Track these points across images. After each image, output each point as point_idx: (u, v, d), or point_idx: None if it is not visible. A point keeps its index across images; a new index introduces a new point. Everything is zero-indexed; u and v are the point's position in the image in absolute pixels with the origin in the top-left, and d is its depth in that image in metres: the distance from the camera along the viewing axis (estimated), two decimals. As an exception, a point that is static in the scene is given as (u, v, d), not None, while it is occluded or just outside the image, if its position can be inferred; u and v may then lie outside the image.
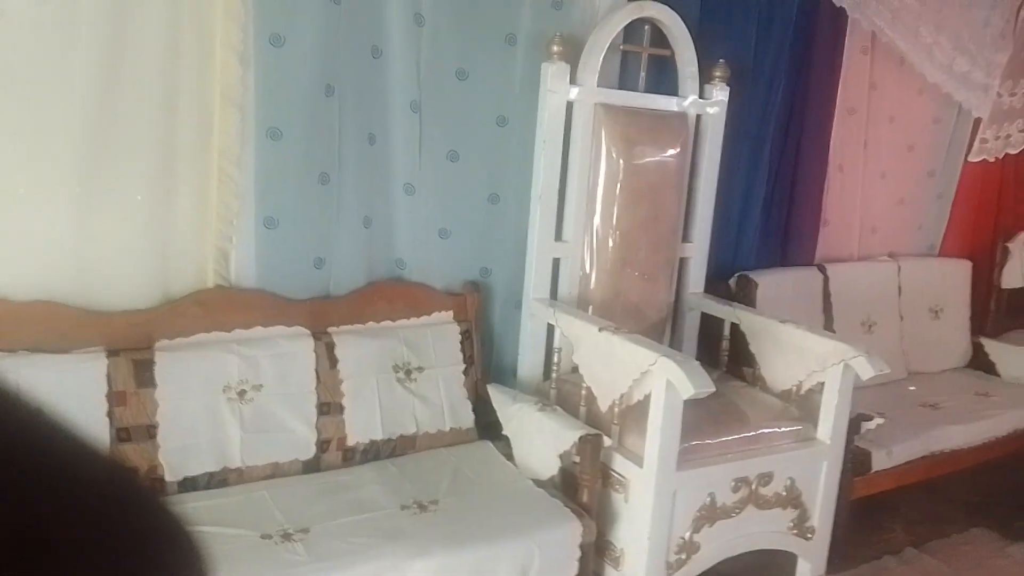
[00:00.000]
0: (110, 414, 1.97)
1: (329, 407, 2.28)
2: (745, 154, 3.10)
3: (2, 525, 0.32)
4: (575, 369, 2.46)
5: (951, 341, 3.65)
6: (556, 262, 2.68)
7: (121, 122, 2.04)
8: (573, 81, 2.57)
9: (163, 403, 2.04)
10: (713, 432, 2.35)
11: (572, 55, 2.56)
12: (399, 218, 2.52)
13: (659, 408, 2.12)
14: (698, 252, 2.96)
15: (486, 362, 2.66)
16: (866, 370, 2.37)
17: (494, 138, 2.60)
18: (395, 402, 2.37)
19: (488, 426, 2.51)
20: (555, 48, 2.51)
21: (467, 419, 2.49)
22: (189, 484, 2.04)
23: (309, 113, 2.26)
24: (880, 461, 2.74)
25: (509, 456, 2.38)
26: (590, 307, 2.68)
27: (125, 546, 0.37)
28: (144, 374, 2.03)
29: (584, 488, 2.17)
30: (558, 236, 2.67)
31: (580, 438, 2.16)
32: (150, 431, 2.02)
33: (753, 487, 2.35)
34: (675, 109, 2.79)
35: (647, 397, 2.18)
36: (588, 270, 2.70)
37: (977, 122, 3.63)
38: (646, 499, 2.17)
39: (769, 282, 3.12)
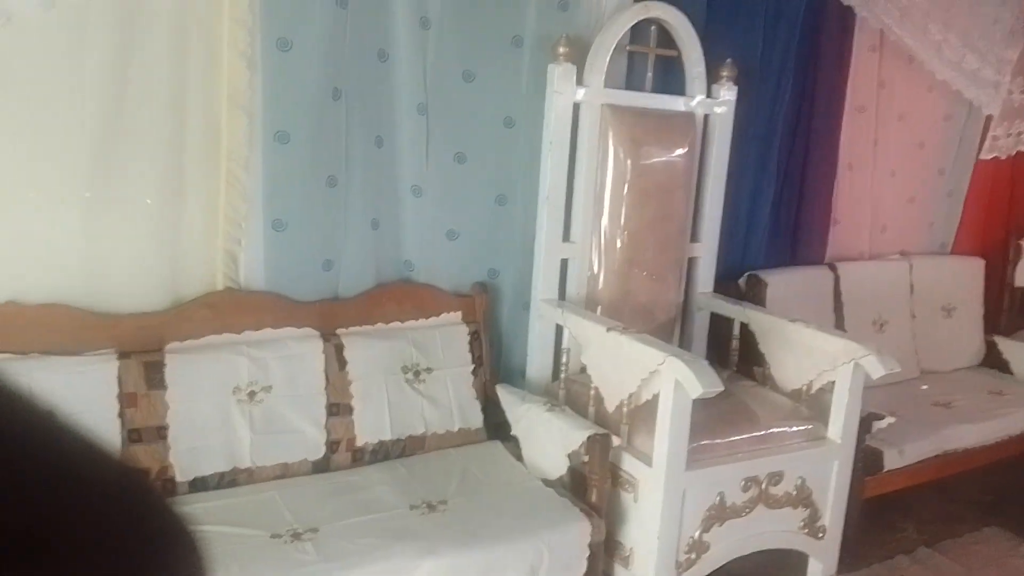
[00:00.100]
0: (121, 416, 1.99)
1: (338, 408, 2.29)
2: (753, 153, 3.09)
3: (2, 525, 0.33)
4: (584, 369, 2.46)
5: (964, 340, 3.63)
6: (564, 263, 2.68)
7: (130, 126, 2.06)
8: (580, 82, 2.57)
9: (174, 404, 2.05)
10: (722, 432, 2.34)
11: (578, 56, 2.56)
12: (407, 220, 2.53)
13: (668, 408, 2.12)
14: (707, 252, 2.95)
15: (495, 363, 2.67)
16: (876, 369, 2.36)
17: (501, 139, 2.60)
18: (404, 403, 2.38)
19: (497, 427, 2.51)
20: (561, 49, 2.51)
21: (476, 419, 2.50)
22: (199, 484, 2.06)
23: (316, 116, 2.27)
24: (892, 460, 2.73)
25: (518, 456, 2.38)
26: (598, 308, 2.68)
27: (126, 546, 0.38)
28: (155, 376, 2.05)
29: (593, 488, 2.17)
30: (566, 237, 2.67)
31: (589, 438, 2.16)
32: (161, 432, 2.03)
33: (763, 486, 2.34)
34: (682, 109, 2.79)
35: (656, 397, 2.17)
36: (596, 271, 2.70)
37: (988, 119, 3.61)
38: (655, 499, 2.16)
39: (779, 281, 3.11)
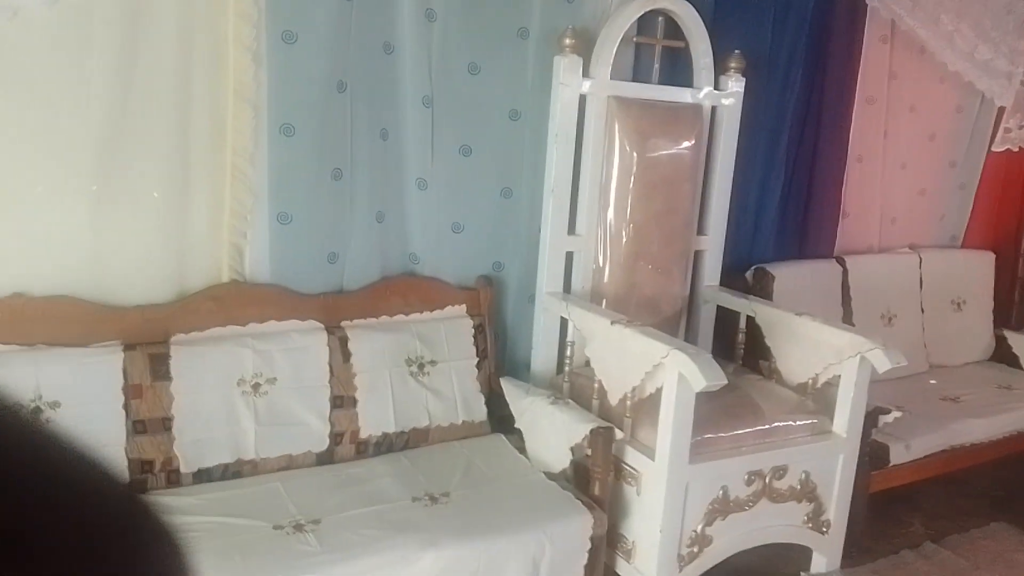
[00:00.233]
0: (126, 407, 2.01)
1: (343, 400, 2.30)
2: (762, 146, 3.07)
3: None
4: (588, 363, 2.46)
5: (973, 334, 3.60)
6: (569, 256, 2.68)
7: (136, 120, 2.07)
8: (586, 74, 2.56)
9: (178, 396, 2.07)
10: (727, 425, 2.34)
11: (585, 48, 2.55)
12: (412, 213, 2.53)
13: (671, 401, 2.12)
14: (713, 245, 2.94)
15: (499, 356, 2.67)
16: (882, 362, 2.34)
17: (507, 132, 2.60)
18: (408, 395, 2.39)
19: (501, 419, 2.52)
20: (567, 41, 2.50)
21: (480, 412, 2.50)
22: (204, 475, 2.08)
23: (322, 109, 2.27)
24: (898, 455, 2.71)
25: (522, 449, 2.39)
26: (604, 301, 2.67)
27: (107, 549, 0.38)
28: (160, 368, 2.07)
29: (596, 481, 2.17)
30: (571, 230, 2.66)
31: (592, 431, 2.16)
32: (166, 423, 2.05)
33: (767, 480, 2.34)
34: (689, 101, 2.77)
35: (659, 390, 2.17)
36: (601, 264, 2.69)
37: (1000, 111, 3.56)
38: (658, 492, 2.17)
39: (786, 275, 3.09)
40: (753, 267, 3.11)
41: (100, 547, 0.38)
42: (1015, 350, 3.52)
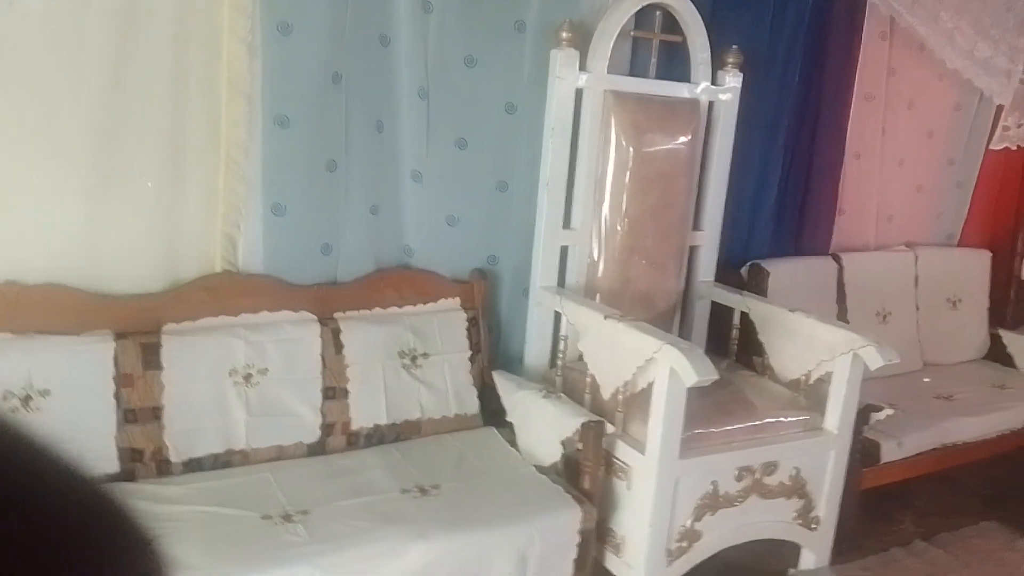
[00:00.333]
0: (117, 396, 2.01)
1: (334, 392, 2.30)
2: (759, 141, 3.06)
3: None
4: (581, 357, 2.46)
5: (968, 332, 3.60)
6: (564, 250, 2.67)
7: (131, 110, 2.07)
8: (582, 68, 2.55)
9: (169, 386, 2.07)
10: (718, 421, 2.34)
11: (582, 42, 2.54)
12: (407, 205, 2.53)
13: (662, 396, 2.12)
14: (709, 240, 2.93)
15: (493, 349, 2.67)
16: (875, 359, 2.34)
17: (502, 125, 2.59)
18: (400, 388, 2.39)
19: (494, 413, 2.52)
20: (564, 34, 2.49)
21: (472, 405, 2.51)
22: (194, 465, 2.08)
23: (316, 101, 2.27)
24: (890, 452, 2.72)
25: (513, 442, 2.39)
26: (598, 295, 2.67)
27: (83, 553, 0.38)
28: (151, 357, 2.07)
29: (586, 475, 2.18)
30: (566, 224, 2.66)
31: (583, 425, 2.17)
32: (156, 413, 2.06)
33: (757, 476, 2.34)
34: (686, 96, 2.76)
35: (651, 385, 2.17)
36: (596, 258, 2.69)
37: (999, 109, 3.55)
38: (648, 486, 2.17)
39: (782, 271, 3.09)
40: (748, 263, 3.11)
41: (66, 548, 0.37)
42: (1010, 349, 3.52)
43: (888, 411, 2.63)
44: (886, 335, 2.76)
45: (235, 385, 2.16)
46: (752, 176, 3.09)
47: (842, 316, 3.19)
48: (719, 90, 2.80)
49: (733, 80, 2.81)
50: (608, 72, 2.59)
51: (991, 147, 3.63)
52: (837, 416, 2.44)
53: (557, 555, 2.07)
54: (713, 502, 2.28)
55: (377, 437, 2.35)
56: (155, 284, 2.17)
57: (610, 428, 2.23)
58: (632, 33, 2.68)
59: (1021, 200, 3.77)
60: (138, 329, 2.08)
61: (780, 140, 3.11)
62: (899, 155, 3.50)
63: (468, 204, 2.61)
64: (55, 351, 1.96)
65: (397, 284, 2.51)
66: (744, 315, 2.79)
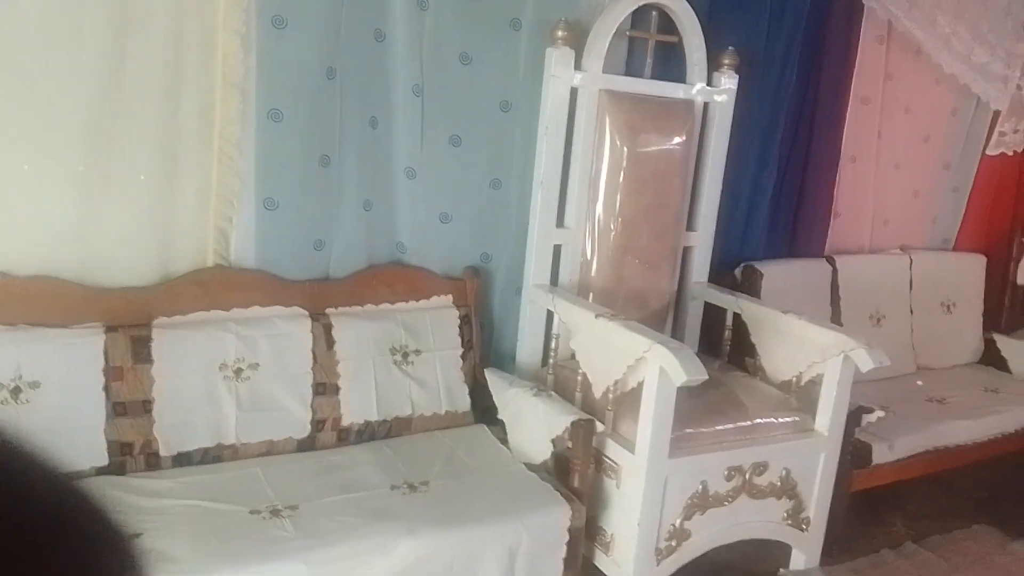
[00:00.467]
0: (107, 388, 2.01)
1: (325, 387, 2.30)
2: (754, 143, 3.07)
3: None
4: (573, 355, 2.46)
5: (963, 336, 3.60)
6: (557, 248, 2.68)
7: (125, 103, 2.07)
8: (578, 67, 2.56)
9: (159, 379, 2.07)
10: (708, 421, 2.34)
11: (577, 41, 2.55)
12: (400, 202, 2.53)
13: (652, 395, 2.12)
14: (703, 241, 2.94)
15: (485, 347, 2.67)
16: (865, 362, 2.34)
17: (497, 123, 2.59)
18: (392, 384, 2.39)
19: (485, 410, 2.52)
20: (560, 33, 2.50)
21: (463, 403, 2.51)
22: (184, 459, 2.08)
23: (311, 95, 2.27)
24: (881, 454, 2.72)
25: (504, 440, 2.39)
26: (591, 294, 2.67)
27: (60, 552, 0.38)
28: (141, 350, 2.07)
29: (576, 473, 2.18)
30: (560, 222, 2.66)
31: (573, 423, 2.17)
32: (146, 406, 2.05)
33: (747, 476, 2.34)
34: (682, 96, 2.76)
35: (642, 384, 2.17)
36: (589, 257, 2.69)
37: (996, 114, 3.56)
38: (637, 485, 2.17)
39: (775, 273, 3.09)
40: (742, 264, 3.11)
41: (44, 545, 0.37)
42: (1004, 354, 3.52)
43: (879, 413, 2.63)
44: (879, 338, 2.76)
45: (226, 380, 2.16)
46: (747, 178, 3.10)
47: (836, 319, 3.19)
48: (714, 91, 2.80)
49: (729, 81, 2.81)
50: (603, 71, 2.60)
51: (987, 152, 3.64)
52: (828, 418, 2.45)
53: (546, 553, 2.07)
54: (703, 501, 2.28)
55: (368, 433, 2.35)
56: (147, 277, 2.17)
57: (600, 427, 2.23)
58: (628, 33, 2.68)
59: (1017, 205, 3.78)
60: (129, 322, 2.08)
61: (776, 142, 3.11)
62: (895, 159, 3.50)
63: (462, 201, 2.61)
64: (45, 343, 1.96)
65: (390, 281, 2.51)
66: (737, 316, 2.79)
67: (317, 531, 1.84)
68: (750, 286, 3.04)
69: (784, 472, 2.40)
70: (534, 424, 2.29)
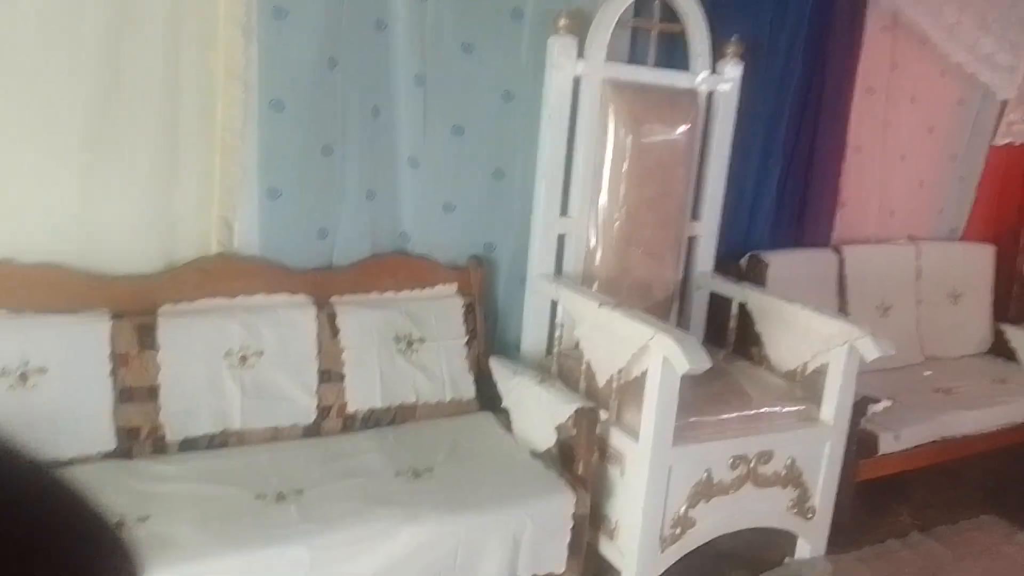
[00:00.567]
0: (113, 375, 2.03)
1: (330, 375, 2.31)
2: (759, 132, 3.06)
3: None
4: (577, 344, 2.46)
5: (970, 327, 3.58)
6: (561, 238, 2.68)
7: (127, 92, 2.08)
8: (581, 56, 2.55)
9: (165, 366, 2.08)
10: (712, 409, 2.34)
11: (580, 30, 2.54)
12: (403, 191, 2.54)
13: (655, 383, 2.12)
14: (708, 231, 2.93)
15: (490, 336, 2.68)
16: (870, 351, 2.34)
17: (499, 113, 2.59)
18: (396, 372, 2.40)
19: (490, 399, 2.52)
20: (562, 22, 2.50)
21: (468, 391, 2.51)
22: (189, 444, 2.09)
23: (312, 85, 2.28)
24: (887, 444, 2.71)
25: (508, 428, 2.40)
26: (595, 284, 2.67)
27: (51, 549, 0.38)
28: (147, 337, 2.08)
29: (580, 461, 2.18)
30: (563, 212, 2.66)
31: (576, 411, 2.17)
32: (152, 392, 2.07)
33: (752, 465, 2.34)
34: (686, 86, 2.76)
35: (645, 373, 2.17)
36: (593, 246, 2.69)
37: (1003, 104, 3.54)
38: (641, 473, 2.17)
39: (781, 262, 3.08)
40: (748, 254, 3.11)
41: (44, 548, 0.37)
42: (1012, 344, 3.50)
43: (885, 403, 2.62)
44: (886, 328, 2.75)
45: (230, 367, 2.17)
46: (752, 167, 3.09)
47: (842, 309, 3.18)
48: (719, 80, 2.80)
49: (733, 70, 2.80)
50: (606, 61, 2.59)
51: (994, 143, 3.62)
52: (833, 407, 2.44)
53: (549, 540, 2.07)
54: (707, 490, 2.27)
55: (372, 420, 2.36)
56: (152, 265, 2.18)
57: (604, 415, 2.23)
58: (631, 22, 2.68)
59: (1024, 195, 3.75)
60: (134, 309, 2.09)
61: (781, 131, 3.10)
62: (901, 149, 3.48)
63: (465, 191, 2.61)
64: (52, 330, 1.98)
65: (393, 270, 2.51)
66: (742, 306, 2.78)
67: (321, 516, 1.85)
68: (756, 276, 3.03)
69: (789, 461, 2.40)
70: (538, 412, 2.29)
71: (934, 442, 2.84)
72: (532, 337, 2.69)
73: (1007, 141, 3.60)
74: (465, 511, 1.97)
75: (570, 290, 2.51)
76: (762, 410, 2.41)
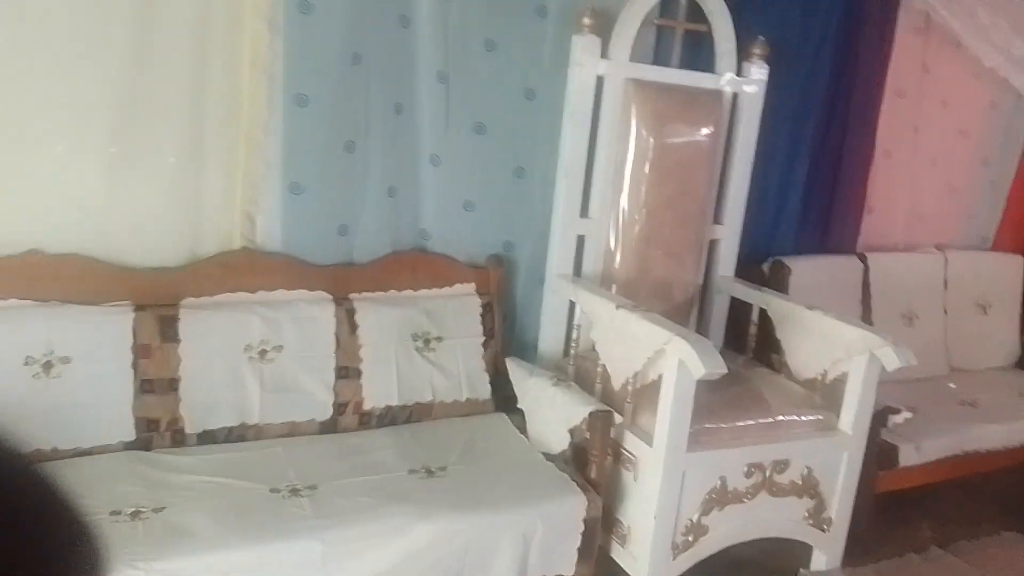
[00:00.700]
0: (135, 366, 2.06)
1: (347, 371, 2.32)
2: (785, 136, 3.02)
3: None
4: (594, 347, 2.45)
5: (999, 338, 3.51)
6: (581, 239, 2.66)
7: (154, 86, 2.11)
8: (604, 55, 2.54)
9: (186, 358, 2.11)
10: (728, 416, 2.32)
11: (604, 28, 2.53)
12: (424, 188, 2.54)
13: (671, 387, 2.10)
14: (730, 234, 2.90)
15: (508, 336, 2.68)
16: (892, 360, 2.30)
17: (521, 111, 2.58)
18: (413, 370, 2.40)
19: (506, 399, 2.52)
20: (586, 20, 2.48)
21: (484, 390, 2.51)
22: (208, 437, 2.12)
23: (336, 81, 2.29)
24: (908, 456, 2.67)
25: (523, 429, 2.40)
26: (614, 285, 2.66)
27: (19, 537, 0.38)
28: (169, 330, 2.11)
29: (593, 464, 2.17)
30: (584, 212, 2.65)
31: (591, 414, 2.16)
32: (172, 384, 2.09)
33: (767, 473, 2.31)
34: (710, 87, 2.73)
35: (661, 376, 2.16)
36: (613, 248, 2.68)
37: (1038, 109, 3.46)
38: (654, 478, 2.16)
39: (804, 268, 3.04)
40: (771, 259, 3.07)
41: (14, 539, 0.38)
42: (1041, 356, 3.43)
43: (906, 414, 2.59)
44: (911, 338, 2.71)
45: (250, 361, 2.19)
46: (777, 171, 3.05)
47: (866, 317, 3.13)
48: (744, 82, 2.76)
49: (759, 72, 2.77)
50: (630, 60, 2.57)
51: (1028, 148, 3.54)
52: (852, 417, 2.41)
53: (560, 542, 2.07)
54: (721, 497, 2.26)
55: (389, 418, 2.37)
56: (175, 258, 2.21)
57: (618, 418, 2.22)
58: (656, 21, 2.65)
59: (1058, 204, 3.66)
60: (157, 302, 2.12)
61: (807, 135, 3.06)
62: (932, 154, 3.42)
63: (485, 189, 2.61)
64: (75, 320, 2.01)
65: (413, 267, 2.52)
66: (763, 312, 2.75)
67: (335, 511, 1.86)
68: (778, 282, 2.99)
69: (806, 470, 2.37)
70: (553, 414, 2.29)
71: (956, 455, 2.79)
72: (549, 338, 2.68)
73: (1041, 148, 3.52)
74: (477, 510, 1.97)
75: (588, 291, 2.50)
76: (779, 418, 2.38)
